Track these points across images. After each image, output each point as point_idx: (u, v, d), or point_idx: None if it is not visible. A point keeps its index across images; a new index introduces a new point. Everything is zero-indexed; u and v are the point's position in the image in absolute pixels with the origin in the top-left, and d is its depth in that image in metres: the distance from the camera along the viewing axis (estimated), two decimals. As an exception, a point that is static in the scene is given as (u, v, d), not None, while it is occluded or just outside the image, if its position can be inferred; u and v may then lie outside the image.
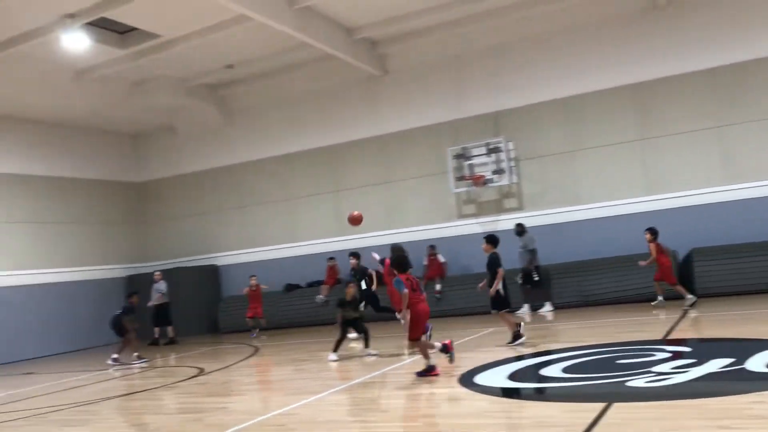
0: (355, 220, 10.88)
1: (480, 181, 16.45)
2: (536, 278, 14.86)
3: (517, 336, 10.16)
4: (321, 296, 17.79)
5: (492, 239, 10.48)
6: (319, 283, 18.35)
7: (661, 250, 13.18)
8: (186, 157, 21.37)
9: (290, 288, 18.78)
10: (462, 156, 16.84)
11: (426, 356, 8.48)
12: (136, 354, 13.94)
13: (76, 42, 14.25)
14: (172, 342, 17.43)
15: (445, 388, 7.79)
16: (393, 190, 18.21)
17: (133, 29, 15.29)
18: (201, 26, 15.00)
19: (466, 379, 7.84)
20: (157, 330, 17.80)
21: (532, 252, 15.07)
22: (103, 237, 20.52)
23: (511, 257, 16.22)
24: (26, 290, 17.89)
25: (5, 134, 18.17)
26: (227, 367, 11.89)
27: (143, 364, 13.53)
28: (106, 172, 21.06)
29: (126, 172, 21.76)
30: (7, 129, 18.20)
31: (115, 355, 13.97)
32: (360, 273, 14.25)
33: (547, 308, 15.06)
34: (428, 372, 8.34)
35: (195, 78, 18.41)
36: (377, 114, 18.36)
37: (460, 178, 16.80)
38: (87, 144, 20.47)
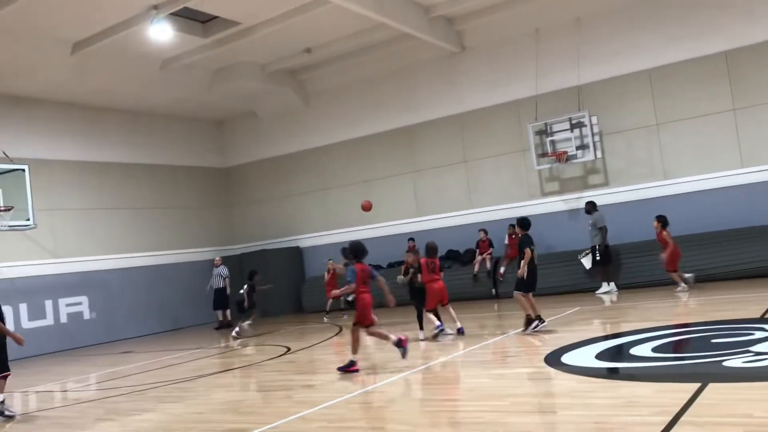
0: (365, 208, 11.08)
1: (563, 158, 16.07)
2: (598, 258, 14.66)
3: (529, 322, 10.05)
4: (402, 276, 17.82)
5: (522, 223, 10.67)
6: (399, 263, 18.41)
7: (670, 237, 13.33)
8: (268, 141, 21.81)
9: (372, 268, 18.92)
10: (544, 132, 16.49)
11: (354, 350, 8.61)
12: (240, 327, 15.17)
13: (161, 32, 14.72)
14: (227, 326, 17.79)
15: (532, 367, 7.72)
16: (472, 169, 18.04)
17: (215, 17, 15.67)
18: (280, 11, 15.21)
19: (553, 359, 7.73)
20: (219, 313, 18.37)
21: (602, 230, 14.75)
22: (192, 221, 21.26)
23: (580, 237, 15.86)
24: (122, 273, 18.75)
25: (97, 124, 19.00)
26: (313, 345, 12.14)
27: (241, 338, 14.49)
28: (194, 158, 21.77)
29: (212, 158, 22.43)
30: (99, 119, 19.03)
31: (236, 329, 15.18)
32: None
33: (603, 289, 14.73)
34: (348, 367, 8.48)
35: (274, 63, 18.71)
36: (455, 92, 18.18)
37: (543, 155, 16.46)
38: (174, 132, 21.20)
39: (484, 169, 17.81)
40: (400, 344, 8.52)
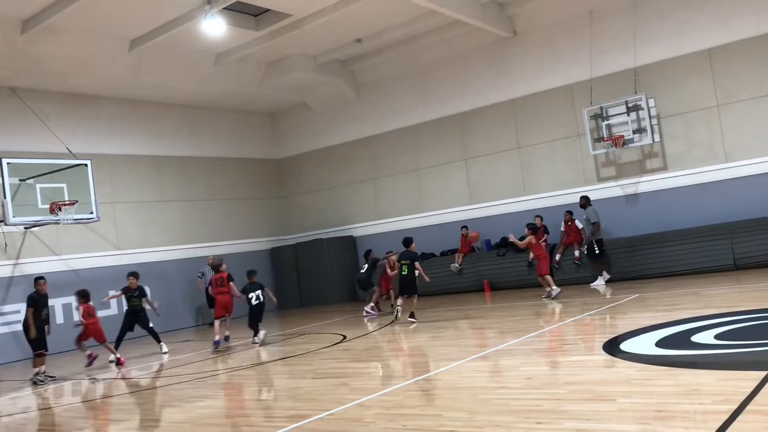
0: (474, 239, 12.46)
1: (619, 142, 15.74)
2: (596, 251, 14.90)
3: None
4: (456, 264, 17.85)
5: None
6: (453, 251, 18.40)
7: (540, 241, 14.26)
8: (320, 132, 21.99)
9: (424, 257, 18.94)
10: (599, 116, 16.17)
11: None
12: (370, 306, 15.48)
13: (215, 27, 14.94)
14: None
15: (590, 355, 7.62)
16: (526, 155, 17.83)
17: (266, 10, 15.84)
18: (330, 2, 15.27)
19: (612, 346, 7.62)
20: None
21: (595, 225, 14.91)
22: (246, 212, 21.61)
23: (637, 222, 15.55)
24: (178, 264, 19.18)
25: (155, 119, 19.47)
26: (368, 333, 12.24)
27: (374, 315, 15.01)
28: (248, 150, 22.10)
29: (266, 150, 22.74)
30: (157, 114, 19.49)
31: (369, 306, 15.42)
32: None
33: (599, 282, 15.05)
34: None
35: (325, 54, 18.82)
36: (508, 77, 17.97)
37: (598, 140, 16.15)
38: (229, 125, 21.55)
39: (538, 155, 17.59)
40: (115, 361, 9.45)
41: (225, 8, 14.68)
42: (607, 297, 12.75)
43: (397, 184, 20.24)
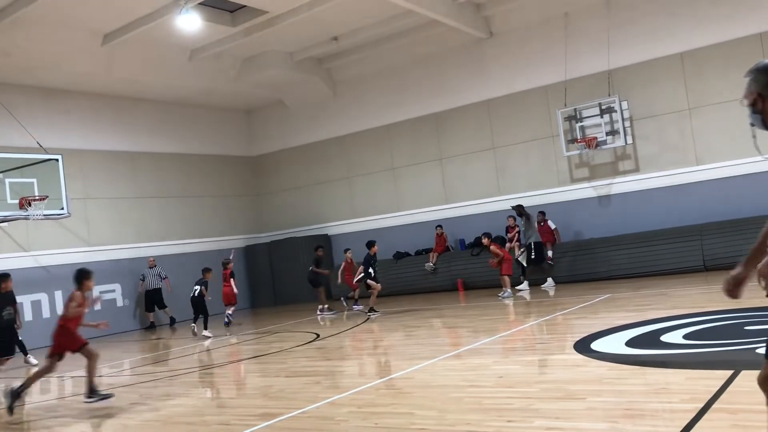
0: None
1: (593, 144, 15.90)
2: (533, 256, 15.39)
3: None
4: (430, 263, 17.90)
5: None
6: (428, 250, 18.45)
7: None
8: (296, 130, 21.90)
9: (399, 256, 18.99)
10: (573, 118, 16.32)
11: None
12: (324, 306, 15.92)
13: (190, 22, 14.80)
14: (154, 327, 18.02)
15: (561, 354, 7.69)
16: (501, 155, 17.93)
17: (242, 6, 15.74)
18: (306, 0, 15.20)
19: (582, 346, 7.70)
20: (151, 315, 18.19)
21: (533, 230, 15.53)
22: (221, 210, 21.46)
23: (610, 224, 15.73)
24: (158, 260, 18.96)
25: (128, 115, 19.24)
26: (341, 332, 12.22)
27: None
28: (223, 147, 21.95)
29: (241, 147, 22.60)
30: (130, 110, 19.26)
31: (321, 306, 15.82)
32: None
33: (549, 283, 15.57)
34: None
35: (302, 52, 18.75)
36: (483, 78, 18.05)
37: (572, 141, 16.30)
38: (204, 121, 21.38)
39: (513, 156, 17.70)
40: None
41: (200, 3, 14.57)
42: (578, 297, 12.88)
43: (373, 183, 20.23)
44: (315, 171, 21.51)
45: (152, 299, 18.16)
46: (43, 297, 16.62)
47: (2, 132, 15.80)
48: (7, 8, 13.77)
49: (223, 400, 7.70)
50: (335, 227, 21.04)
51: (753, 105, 3.12)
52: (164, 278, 18.28)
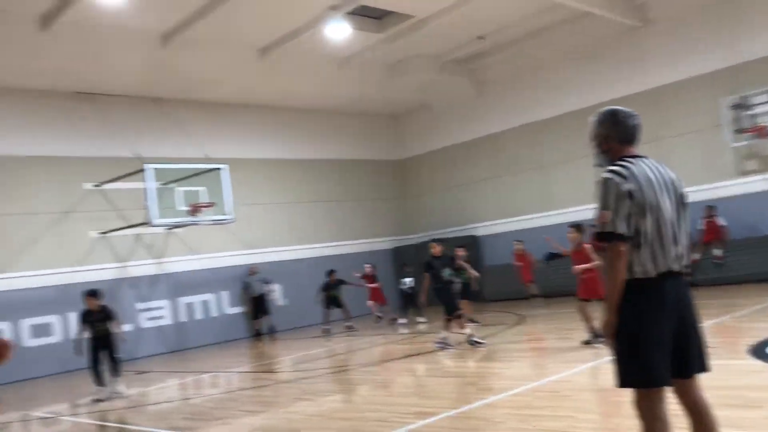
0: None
1: (764, 133, 14.65)
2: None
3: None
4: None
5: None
6: (581, 251, 17.83)
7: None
8: (441, 132, 21.98)
9: (551, 257, 18.48)
10: (741, 106, 15.10)
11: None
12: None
13: (339, 31, 15.32)
14: (260, 335, 18.01)
15: (735, 359, 7.15)
16: (659, 148, 16.88)
17: (389, 13, 16.03)
18: (452, 1, 15.23)
19: (759, 351, 7.11)
20: (260, 322, 18.18)
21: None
22: (370, 213, 21.97)
23: None
24: (308, 262, 19.77)
25: (283, 124, 20.17)
26: (495, 334, 12.09)
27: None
28: (371, 152, 22.47)
29: (388, 151, 23.03)
30: (285, 119, 20.21)
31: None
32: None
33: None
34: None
35: (447, 54, 18.79)
36: (639, 68, 17.13)
37: (739, 131, 15.10)
38: (353, 127, 22.00)
39: (674, 149, 16.67)
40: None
41: (348, 13, 15.00)
42: (752, 299, 11.91)
43: (521, 181, 19.86)
44: (461, 172, 21.46)
45: (259, 306, 18.24)
46: (211, 297, 17.84)
47: (174, 144, 17.15)
48: (175, 31, 14.92)
49: (379, 397, 7.86)
50: (483, 228, 20.88)
51: None
52: (268, 283, 18.27)
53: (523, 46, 18.24)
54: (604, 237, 3.32)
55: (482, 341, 10.33)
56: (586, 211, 18.04)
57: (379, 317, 16.54)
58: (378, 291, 17.02)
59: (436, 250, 11.00)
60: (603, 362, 7.77)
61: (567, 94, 18.57)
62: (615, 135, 3.64)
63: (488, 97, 20.53)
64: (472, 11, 15.54)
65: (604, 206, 3.32)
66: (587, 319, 9.25)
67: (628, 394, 3.45)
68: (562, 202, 18.79)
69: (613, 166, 3.41)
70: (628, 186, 3.32)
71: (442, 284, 10.66)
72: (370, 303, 16.93)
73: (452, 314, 10.52)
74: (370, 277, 17.10)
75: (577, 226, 10.19)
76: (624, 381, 3.40)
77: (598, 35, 17.53)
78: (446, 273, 10.74)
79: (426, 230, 22.20)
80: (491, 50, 18.88)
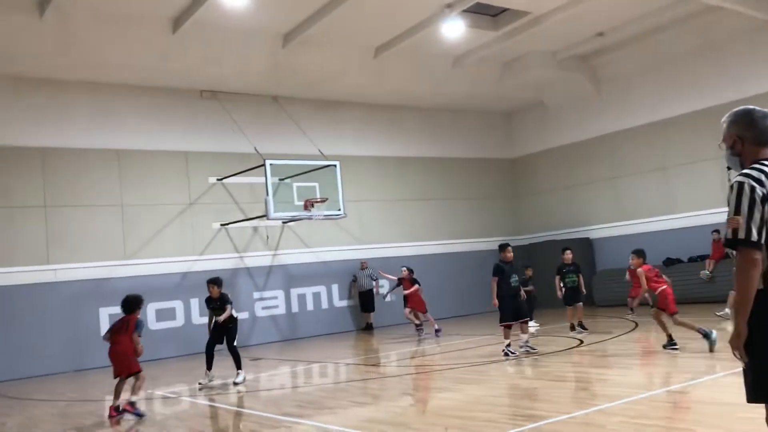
0: None
1: None
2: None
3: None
4: (706, 271, 16.45)
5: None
6: (702, 257, 16.97)
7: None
8: (555, 130, 21.50)
9: (670, 262, 17.71)
10: None
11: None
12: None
13: (454, 29, 15.31)
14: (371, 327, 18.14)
15: None
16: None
17: (505, 10, 15.85)
18: (570, -3, 14.89)
19: None
20: (369, 315, 18.36)
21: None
22: (480, 211, 21.82)
23: None
24: (419, 259, 19.85)
25: (396, 122, 20.39)
26: (607, 339, 11.74)
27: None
28: (483, 150, 22.31)
29: (500, 149, 22.78)
30: (398, 117, 20.42)
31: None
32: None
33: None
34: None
35: (565, 50, 18.36)
36: (772, 65, 16.12)
37: None
38: (465, 125, 21.93)
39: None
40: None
41: (463, 11, 14.96)
42: None
43: (641, 183, 19.12)
44: (576, 171, 20.91)
45: (368, 301, 18.52)
46: (322, 289, 18.33)
47: (290, 141, 17.71)
48: (295, 31, 15.41)
49: (488, 397, 7.83)
50: (598, 230, 20.26)
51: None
52: (375, 280, 18.44)
53: (645, 42, 17.57)
54: (734, 243, 3.15)
55: (535, 348, 10.48)
56: (709, 215, 17.20)
57: (418, 326, 15.12)
58: (417, 297, 15.30)
59: (508, 256, 10.78)
60: (722, 375, 7.39)
61: (691, 92, 17.73)
62: (750, 136, 3.36)
63: (606, 94, 19.91)
64: (591, 7, 15.13)
65: (735, 211, 3.14)
66: (663, 327, 9.72)
67: (758, 410, 3.28)
68: (685, 206, 17.96)
69: (748, 170, 3.21)
70: (763, 191, 3.13)
71: (509, 291, 10.50)
72: (406, 311, 15.43)
73: (515, 321, 10.54)
74: (408, 282, 15.51)
75: (638, 252, 10.32)
76: (756, 396, 3.22)
77: (726, 30, 16.61)
78: (513, 280, 10.59)
79: (538, 231, 21.81)
80: (611, 47, 18.29)
